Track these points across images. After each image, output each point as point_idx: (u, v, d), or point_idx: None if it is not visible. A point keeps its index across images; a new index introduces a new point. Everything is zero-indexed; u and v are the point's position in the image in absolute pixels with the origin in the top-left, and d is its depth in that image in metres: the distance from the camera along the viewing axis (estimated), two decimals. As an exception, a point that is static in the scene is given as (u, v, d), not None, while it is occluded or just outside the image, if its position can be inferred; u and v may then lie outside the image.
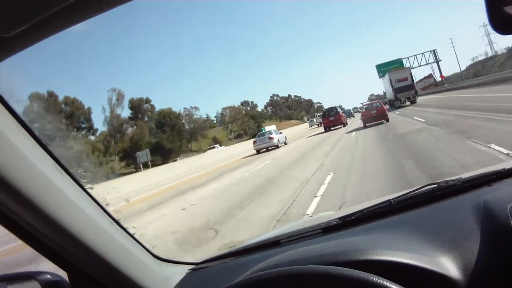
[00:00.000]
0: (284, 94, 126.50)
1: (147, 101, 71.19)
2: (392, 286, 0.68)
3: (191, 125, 73.69)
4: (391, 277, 0.71)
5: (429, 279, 0.81)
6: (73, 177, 0.95)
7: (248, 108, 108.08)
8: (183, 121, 73.56)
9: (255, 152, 21.93)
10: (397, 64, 51.91)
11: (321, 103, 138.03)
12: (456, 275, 0.80)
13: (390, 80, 33.47)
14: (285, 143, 23.67)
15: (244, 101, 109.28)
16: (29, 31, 0.72)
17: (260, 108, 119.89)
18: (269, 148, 22.25)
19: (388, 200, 1.18)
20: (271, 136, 22.80)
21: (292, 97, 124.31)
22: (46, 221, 0.84)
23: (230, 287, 0.81)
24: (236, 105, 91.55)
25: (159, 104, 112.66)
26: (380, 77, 47.28)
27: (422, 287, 0.79)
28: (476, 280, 0.81)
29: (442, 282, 0.80)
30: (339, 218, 1.20)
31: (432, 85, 64.75)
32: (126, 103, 63.92)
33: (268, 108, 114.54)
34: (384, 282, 0.69)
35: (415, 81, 35.85)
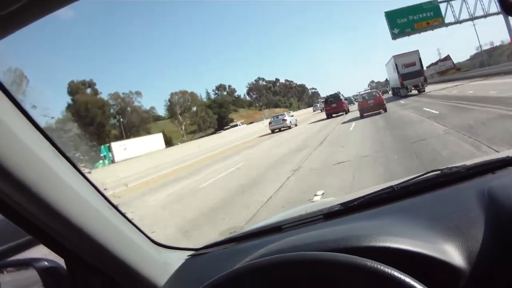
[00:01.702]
0: (271, 78, 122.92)
1: (90, 84, 61.86)
2: (395, 273, 0.74)
3: (126, 118, 63.97)
4: (394, 264, 0.77)
5: (432, 266, 0.89)
6: (70, 162, 1.03)
7: (225, 93, 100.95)
8: (112, 111, 63.58)
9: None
10: (429, 12, 32.51)
11: (315, 89, 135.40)
12: (459, 262, 0.88)
13: (396, 65, 32.00)
14: (296, 125, 30.79)
15: (220, 85, 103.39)
16: (24, 9, 0.76)
17: (242, 93, 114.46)
18: (282, 128, 29.22)
19: (391, 186, 1.29)
20: (285, 118, 30.40)
21: (282, 81, 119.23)
22: (42, 206, 0.91)
23: (231, 272, 0.88)
24: (189, 91, 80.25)
25: (112, 88, 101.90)
26: (392, 35, 33.67)
27: (425, 274, 0.86)
28: (480, 267, 0.88)
29: (446, 269, 0.88)
30: (341, 204, 1.32)
31: (452, 70, 56.54)
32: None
33: (251, 93, 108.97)
34: (387, 269, 0.74)
35: (424, 66, 33.73)
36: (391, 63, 35.41)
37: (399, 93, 34.37)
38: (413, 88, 32.42)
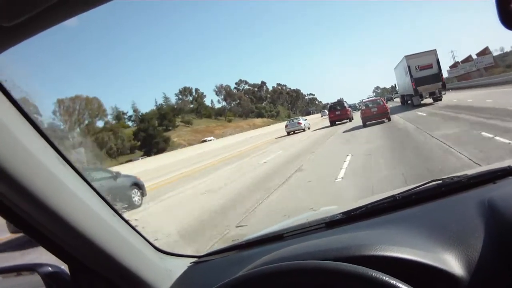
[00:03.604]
0: (256, 81, 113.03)
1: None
2: (395, 282, 0.84)
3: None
4: (395, 273, 0.88)
5: (432, 275, 1.00)
6: (75, 169, 1.17)
7: (190, 98, 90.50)
8: None
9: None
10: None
11: (313, 95, 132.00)
12: (459, 272, 1.00)
13: (408, 67, 29.89)
14: (309, 128, 38.32)
15: (184, 87, 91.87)
16: (31, 21, 0.87)
17: (214, 99, 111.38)
18: (296, 131, 37.51)
19: (393, 196, 1.47)
20: (299, 121, 39.26)
21: (274, 85, 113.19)
22: (47, 213, 1.04)
23: (232, 280, 1.00)
24: (90, 96, 66.77)
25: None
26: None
27: (425, 283, 0.98)
28: (480, 277, 0.99)
29: (446, 278, 1.00)
30: (343, 213, 1.49)
31: (491, 67, 51.70)
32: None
33: (228, 100, 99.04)
34: (390, 280, 0.85)
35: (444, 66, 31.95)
36: (402, 65, 33.35)
37: (411, 101, 32.00)
38: (428, 95, 29.89)
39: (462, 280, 1.00)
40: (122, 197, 11.20)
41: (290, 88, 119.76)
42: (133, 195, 11.72)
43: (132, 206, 11.37)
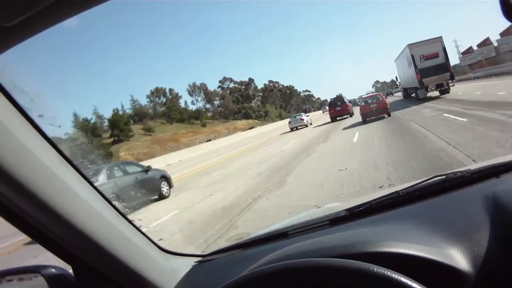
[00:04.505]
0: (243, 78, 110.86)
1: None
2: (400, 277, 0.89)
3: None
4: (400, 269, 0.92)
5: (438, 271, 1.05)
6: (77, 170, 1.23)
7: (163, 100, 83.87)
8: None
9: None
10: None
11: (309, 91, 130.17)
12: (465, 267, 1.05)
13: (412, 57, 28.90)
14: (311, 124, 42.56)
15: (156, 88, 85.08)
16: (31, 20, 0.92)
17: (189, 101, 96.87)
18: (298, 127, 41.63)
19: (397, 192, 1.54)
20: (302, 118, 43.50)
21: (266, 82, 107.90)
22: (50, 214, 1.10)
23: (238, 279, 1.05)
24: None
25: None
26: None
27: (431, 279, 1.03)
28: (485, 272, 1.05)
29: (451, 274, 1.05)
30: (347, 210, 1.57)
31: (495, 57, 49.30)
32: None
33: (205, 102, 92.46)
34: (395, 275, 0.90)
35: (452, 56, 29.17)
36: (404, 56, 32.23)
37: (415, 94, 31.22)
38: (434, 87, 29.15)
39: (468, 275, 1.06)
40: (154, 188, 13.43)
41: (283, 85, 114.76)
42: (162, 187, 13.87)
43: (162, 196, 13.63)
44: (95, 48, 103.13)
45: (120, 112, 74.46)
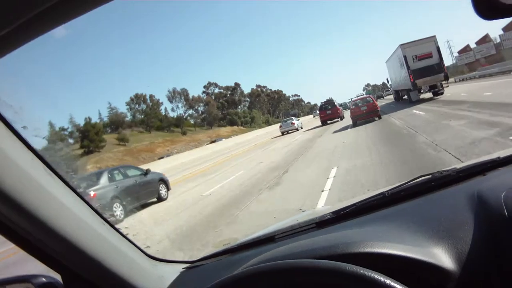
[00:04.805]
0: (230, 83, 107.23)
1: None
2: (380, 277, 0.92)
3: None
4: (383, 269, 0.94)
5: (422, 269, 1.09)
6: (63, 180, 1.26)
7: (139, 107, 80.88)
8: None
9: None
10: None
11: (299, 96, 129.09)
12: (449, 265, 1.09)
13: (405, 57, 28.45)
14: (302, 127, 42.71)
15: (136, 94, 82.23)
16: (14, 33, 0.96)
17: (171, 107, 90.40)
18: (289, 131, 42.12)
19: (382, 193, 1.59)
20: (293, 122, 44.09)
21: (254, 88, 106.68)
22: (37, 224, 1.13)
23: (220, 282, 1.09)
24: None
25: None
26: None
27: (415, 277, 1.07)
28: (469, 269, 1.08)
29: (435, 272, 1.08)
30: (333, 212, 1.62)
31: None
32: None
33: (187, 109, 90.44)
34: (371, 274, 0.93)
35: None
36: (396, 56, 31.79)
37: (408, 96, 30.85)
38: (427, 89, 28.90)
39: (452, 273, 1.10)
40: (153, 190, 14.37)
41: (271, 90, 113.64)
42: (160, 189, 14.82)
43: (160, 198, 14.54)
44: (80, 56, 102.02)
45: (98, 120, 71.78)
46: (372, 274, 0.92)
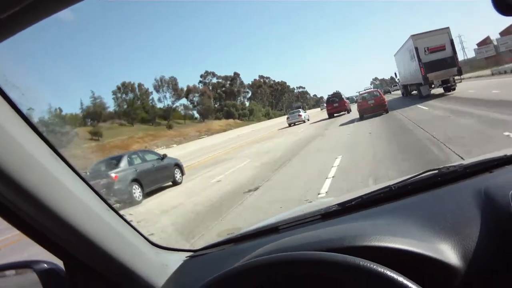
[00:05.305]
0: (229, 73, 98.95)
1: None
2: (387, 271, 0.94)
3: None
4: (389, 263, 0.96)
5: (427, 265, 1.10)
6: (68, 164, 1.29)
7: (126, 97, 74.87)
8: None
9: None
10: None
11: (304, 88, 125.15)
12: (455, 261, 1.11)
13: (416, 49, 27.67)
14: (308, 119, 44.98)
15: (124, 83, 76.04)
16: (23, 12, 0.96)
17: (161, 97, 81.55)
18: (296, 123, 44.61)
19: (389, 186, 1.61)
20: (300, 114, 46.91)
21: (257, 78, 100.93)
22: (41, 209, 1.15)
23: (226, 272, 1.11)
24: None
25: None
26: None
27: (421, 273, 1.08)
28: (475, 267, 1.10)
29: (441, 268, 1.10)
30: (339, 204, 1.64)
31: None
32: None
33: (175, 99, 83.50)
34: (379, 268, 0.95)
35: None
36: (406, 49, 31.18)
37: (418, 91, 30.08)
38: (439, 83, 27.99)
39: (459, 269, 1.12)
40: (169, 174, 15.91)
41: (274, 81, 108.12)
42: (176, 174, 16.27)
43: (175, 182, 16.08)
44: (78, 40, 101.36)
45: (79, 111, 66.72)
46: (389, 272, 0.95)
